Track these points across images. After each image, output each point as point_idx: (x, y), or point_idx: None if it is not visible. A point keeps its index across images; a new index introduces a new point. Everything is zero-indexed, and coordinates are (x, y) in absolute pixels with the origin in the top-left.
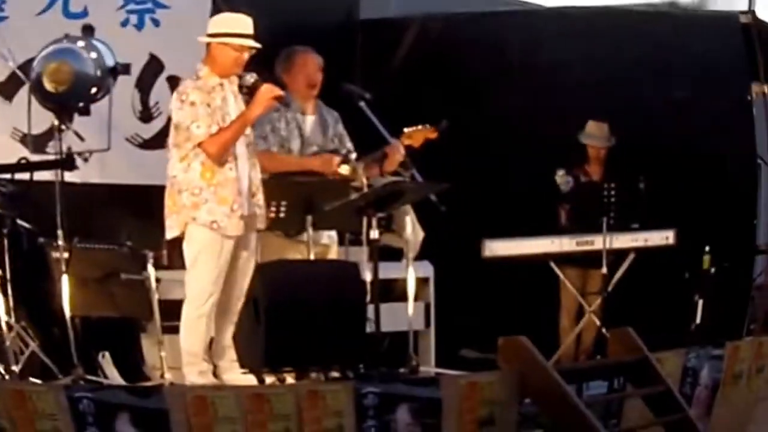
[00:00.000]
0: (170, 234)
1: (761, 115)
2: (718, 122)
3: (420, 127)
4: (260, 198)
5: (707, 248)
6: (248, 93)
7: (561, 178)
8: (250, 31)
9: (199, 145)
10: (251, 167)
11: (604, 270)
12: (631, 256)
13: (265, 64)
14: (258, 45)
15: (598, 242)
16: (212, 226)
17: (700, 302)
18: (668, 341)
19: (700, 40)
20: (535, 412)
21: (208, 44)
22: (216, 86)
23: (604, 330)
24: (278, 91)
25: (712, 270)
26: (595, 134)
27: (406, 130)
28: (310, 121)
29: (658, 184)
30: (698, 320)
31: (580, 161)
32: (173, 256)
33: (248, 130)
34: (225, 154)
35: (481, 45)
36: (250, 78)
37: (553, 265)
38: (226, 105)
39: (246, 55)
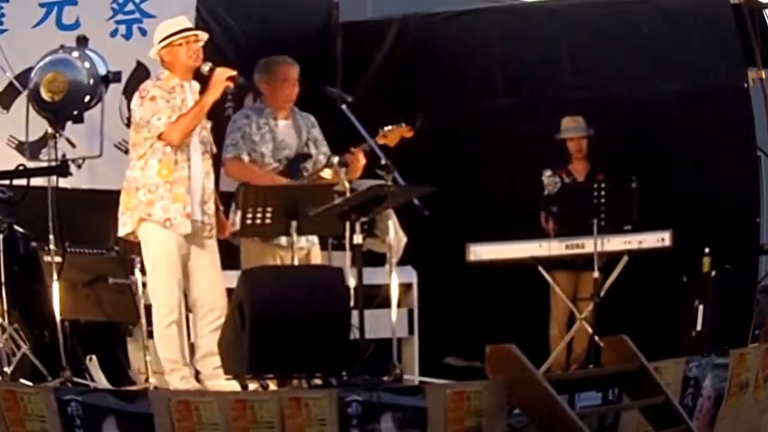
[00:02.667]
0: (123, 231)
1: (759, 102)
2: (715, 113)
3: (395, 126)
4: (211, 207)
5: (707, 250)
6: (207, 82)
7: (548, 179)
8: (187, 25)
9: (160, 136)
10: (204, 175)
11: (596, 274)
12: (625, 259)
13: (247, 68)
14: (200, 32)
15: (588, 245)
16: (165, 224)
17: (701, 307)
18: (666, 350)
19: (690, 27)
20: (524, 422)
21: (160, 56)
22: (176, 86)
23: (596, 338)
24: (231, 72)
25: (713, 273)
26: (571, 126)
27: (381, 130)
28: (282, 125)
29: (652, 183)
30: (699, 327)
31: (563, 162)
32: None
33: (207, 138)
34: (184, 140)
35: (462, 44)
36: (206, 66)
37: (541, 269)
38: (185, 106)
39: (194, 46)
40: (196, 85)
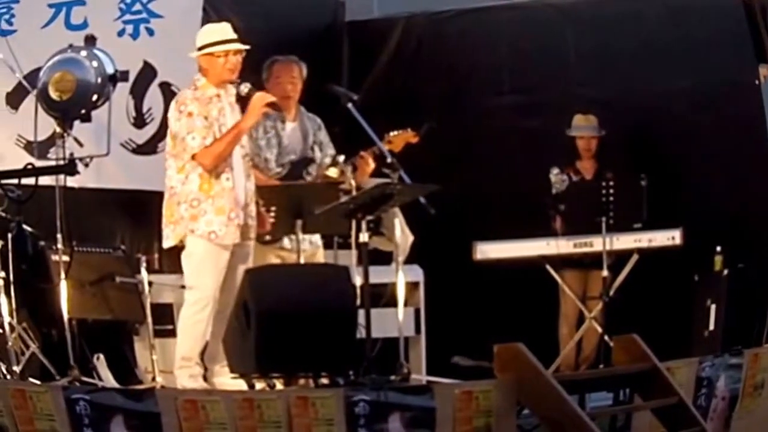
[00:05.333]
0: (167, 243)
1: None
2: (726, 110)
3: (401, 131)
4: (253, 209)
5: (718, 248)
6: (244, 103)
7: (555, 177)
8: (231, 36)
9: (193, 157)
10: (246, 178)
11: (605, 273)
12: (635, 258)
13: (256, 69)
14: (241, 46)
15: (597, 243)
16: (210, 237)
17: (713, 307)
18: (678, 350)
19: (700, 24)
20: (534, 423)
21: (199, 58)
22: (213, 97)
23: (606, 337)
24: (270, 98)
25: (725, 272)
26: (582, 125)
27: (387, 135)
28: (289, 128)
29: (663, 181)
30: (711, 326)
31: (571, 160)
32: (165, 260)
33: (244, 141)
34: (219, 165)
35: (468, 42)
36: (245, 88)
37: (549, 268)
38: (222, 116)
39: (233, 59)
40: (232, 90)
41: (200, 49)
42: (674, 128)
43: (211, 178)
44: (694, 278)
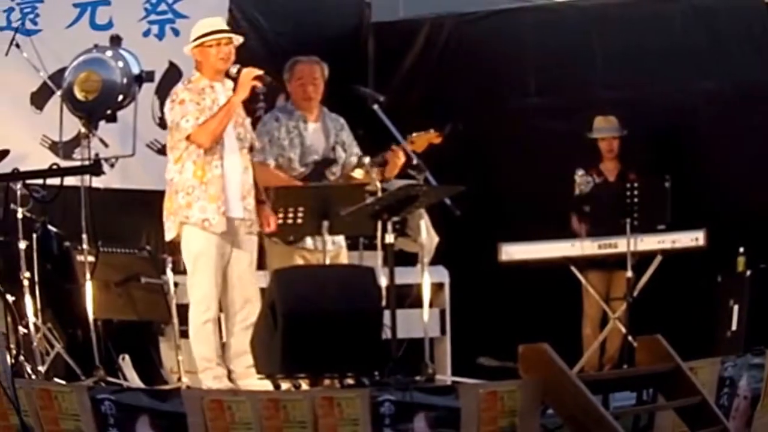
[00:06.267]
0: (168, 236)
1: None
2: (749, 112)
3: (423, 132)
4: (251, 202)
5: (741, 249)
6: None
7: (580, 178)
8: (222, 26)
9: (188, 137)
10: (243, 171)
11: (629, 273)
12: (658, 259)
13: (279, 69)
14: (233, 35)
15: (621, 244)
16: (204, 225)
17: (736, 307)
18: (701, 349)
19: (723, 26)
20: (557, 423)
21: (192, 54)
22: (206, 87)
23: (630, 338)
24: (257, 72)
25: (748, 272)
26: (603, 127)
27: (410, 136)
28: (312, 128)
29: (687, 182)
30: (734, 326)
31: (594, 161)
32: None
33: (243, 135)
34: (215, 142)
35: (494, 43)
36: (233, 68)
37: (574, 269)
38: (216, 105)
39: (226, 48)
40: (230, 84)
41: (195, 41)
42: (698, 129)
43: (204, 165)
44: (717, 279)
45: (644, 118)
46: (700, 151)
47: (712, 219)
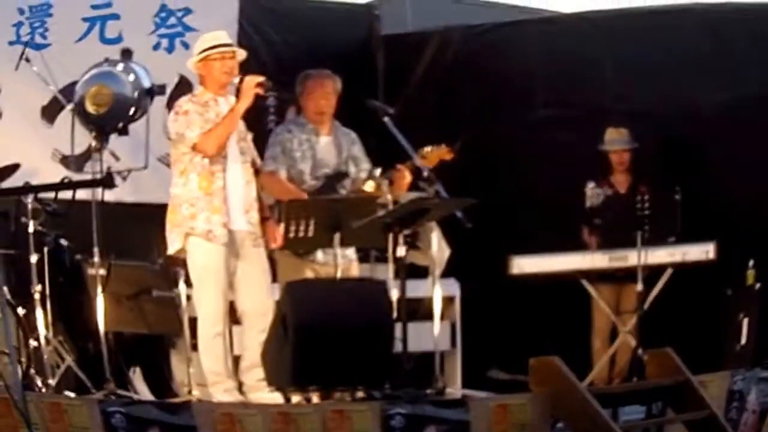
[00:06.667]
0: (172, 248)
1: None
2: (761, 124)
3: (435, 147)
4: (254, 215)
5: (751, 262)
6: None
7: (591, 191)
8: (226, 41)
9: (194, 147)
10: (245, 184)
11: (640, 287)
12: (669, 272)
13: (289, 81)
14: (237, 49)
15: (632, 258)
16: (208, 236)
17: (745, 321)
18: (710, 363)
19: (735, 37)
20: None
21: (196, 68)
22: (209, 101)
23: (640, 351)
24: (259, 78)
25: (758, 285)
26: (614, 139)
27: (421, 150)
28: (323, 142)
29: (697, 194)
30: (743, 340)
31: (604, 173)
32: None
33: (246, 148)
34: (220, 150)
35: (503, 55)
36: (235, 79)
37: (585, 282)
38: (218, 119)
39: (230, 62)
40: (233, 99)
41: (199, 55)
42: (709, 141)
43: (209, 176)
44: (726, 292)
45: (654, 129)
46: (711, 163)
47: (723, 231)
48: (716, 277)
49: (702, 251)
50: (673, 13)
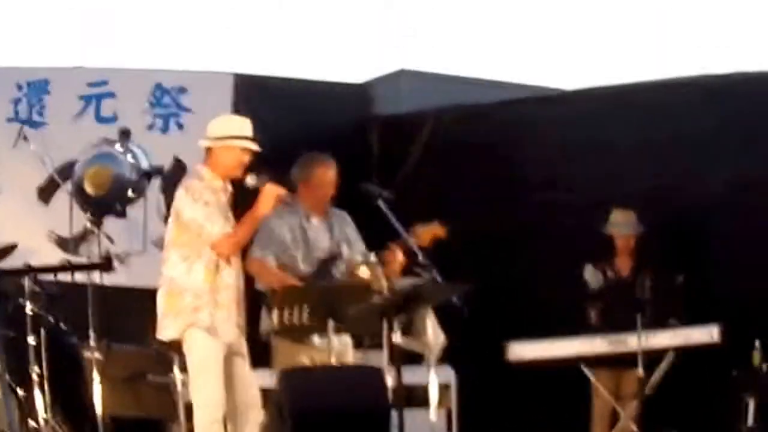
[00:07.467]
0: (166, 336)
1: None
2: (766, 202)
3: (428, 225)
4: (242, 304)
5: (757, 343)
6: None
7: (590, 274)
8: (250, 133)
9: (213, 245)
10: (237, 276)
11: (640, 372)
12: (671, 356)
13: (280, 160)
14: (258, 148)
15: (632, 342)
16: (210, 331)
17: (751, 402)
18: None
19: (737, 109)
20: None
21: (209, 147)
22: (219, 189)
23: None
24: (281, 191)
25: (764, 367)
26: (620, 222)
27: (413, 228)
28: (315, 225)
29: (702, 274)
30: (750, 422)
31: (608, 255)
32: None
33: None
34: (235, 254)
35: (500, 136)
36: (251, 180)
37: (584, 368)
38: (226, 207)
39: (246, 158)
40: (229, 185)
41: (219, 138)
42: (712, 221)
43: (214, 271)
44: (731, 373)
45: (656, 210)
46: (714, 244)
47: (728, 313)
48: (721, 358)
49: (706, 334)
50: (675, 86)
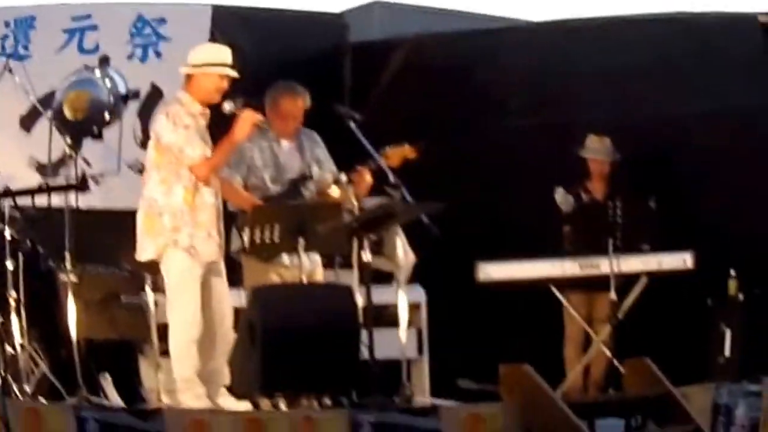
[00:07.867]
0: (145, 256)
1: None
2: (743, 134)
3: (396, 146)
4: (221, 226)
5: (732, 272)
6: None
7: (561, 197)
8: (229, 60)
9: (191, 168)
10: (215, 196)
11: (613, 295)
12: (644, 281)
13: (256, 89)
14: (236, 75)
15: (604, 265)
16: (190, 251)
17: (728, 332)
18: (691, 376)
19: (717, 47)
20: None
21: (189, 74)
22: (197, 114)
23: (615, 361)
24: (259, 117)
25: (740, 296)
26: (597, 148)
27: (384, 150)
28: (286, 147)
29: (677, 203)
30: (727, 352)
31: (581, 178)
32: None
33: None
34: (212, 178)
35: (475, 64)
36: (229, 105)
37: (554, 289)
38: (205, 131)
39: (224, 84)
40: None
41: (199, 65)
42: (690, 151)
43: (194, 191)
44: (707, 302)
45: (632, 138)
46: (691, 173)
47: (704, 241)
48: (697, 287)
49: (679, 260)
50: (655, 22)
